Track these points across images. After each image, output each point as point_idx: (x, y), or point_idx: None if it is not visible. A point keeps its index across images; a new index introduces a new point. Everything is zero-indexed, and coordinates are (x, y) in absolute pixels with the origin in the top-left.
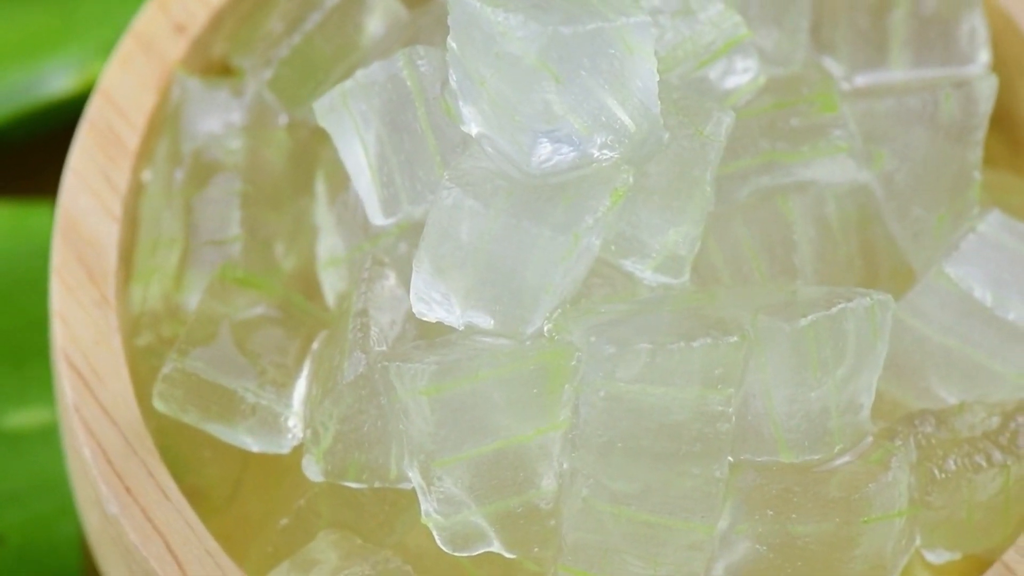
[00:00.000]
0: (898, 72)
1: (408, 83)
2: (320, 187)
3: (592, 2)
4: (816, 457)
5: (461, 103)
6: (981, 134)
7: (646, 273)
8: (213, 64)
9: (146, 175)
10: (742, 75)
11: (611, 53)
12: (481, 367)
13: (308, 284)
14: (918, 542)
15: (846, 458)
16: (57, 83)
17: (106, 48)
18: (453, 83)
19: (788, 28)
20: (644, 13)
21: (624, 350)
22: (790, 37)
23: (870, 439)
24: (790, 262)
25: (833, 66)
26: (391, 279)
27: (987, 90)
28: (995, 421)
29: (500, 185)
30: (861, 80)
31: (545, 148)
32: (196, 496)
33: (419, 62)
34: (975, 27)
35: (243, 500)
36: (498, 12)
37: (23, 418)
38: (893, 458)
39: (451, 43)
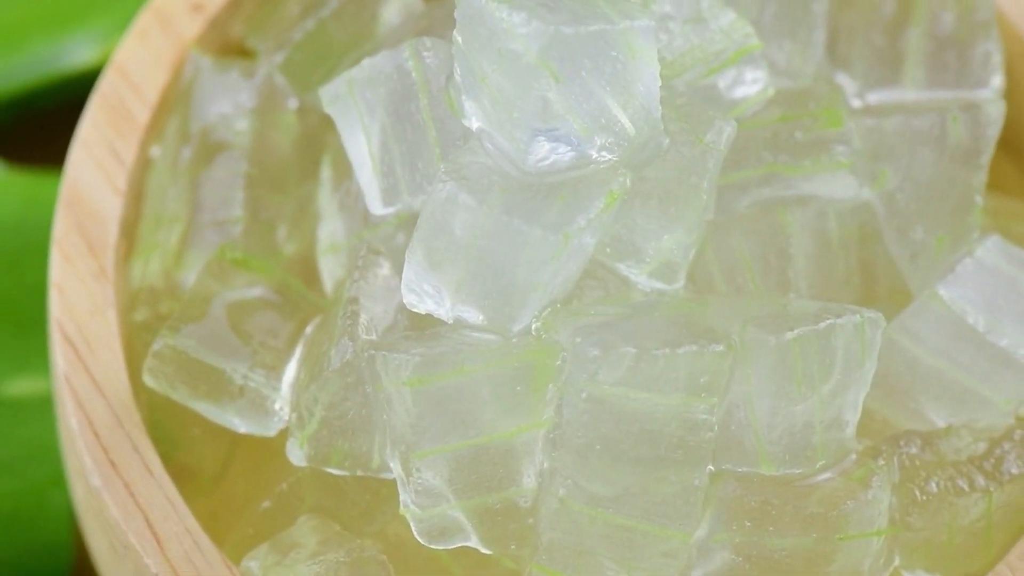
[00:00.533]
0: (911, 92)
1: (413, 74)
2: (326, 173)
3: (598, 4)
4: (798, 471)
5: (464, 97)
6: (986, 158)
7: (641, 277)
8: (230, 44)
9: (155, 151)
10: (751, 85)
11: (613, 56)
12: (466, 361)
13: (309, 269)
14: (897, 562)
15: (828, 474)
16: (80, 55)
17: (130, 22)
18: (457, 77)
19: (801, 41)
20: (649, 17)
21: (608, 353)
22: (802, 50)
23: (854, 456)
24: (785, 275)
25: (847, 82)
26: (385, 268)
27: (995, 115)
28: (981, 446)
29: (495, 181)
30: (874, 97)
31: (543, 147)
32: (184, 474)
33: (425, 54)
34: (990, 51)
35: (231, 480)
36: (502, 8)
37: (23, 386)
38: (874, 477)
39: (456, 36)
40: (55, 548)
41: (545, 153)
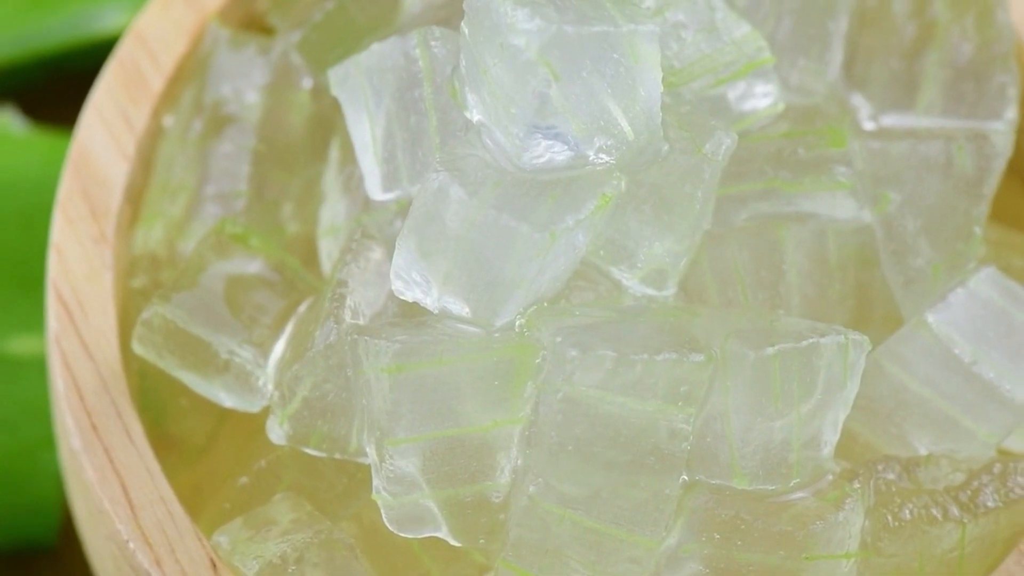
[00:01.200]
0: (924, 118)
1: (420, 62)
2: (334, 154)
3: (606, 6)
4: (771, 487)
5: (466, 89)
6: (989, 189)
7: (632, 282)
8: (253, 19)
9: (167, 120)
10: (761, 99)
11: (616, 58)
12: (445, 352)
13: (312, 249)
14: None
15: (802, 493)
16: (111, 20)
17: None
18: (462, 68)
19: (814, 58)
20: (656, 24)
21: (587, 354)
22: (815, 68)
23: (830, 477)
24: (777, 291)
25: (863, 103)
26: (377, 253)
27: (1001, 146)
28: (959, 477)
29: (489, 175)
30: (887, 120)
31: (539, 144)
32: (170, 444)
33: (433, 43)
34: (1006, 84)
35: (217, 454)
36: (507, 3)
37: (27, 344)
38: (848, 499)
39: (464, 28)
40: (44, 509)
41: (541, 151)
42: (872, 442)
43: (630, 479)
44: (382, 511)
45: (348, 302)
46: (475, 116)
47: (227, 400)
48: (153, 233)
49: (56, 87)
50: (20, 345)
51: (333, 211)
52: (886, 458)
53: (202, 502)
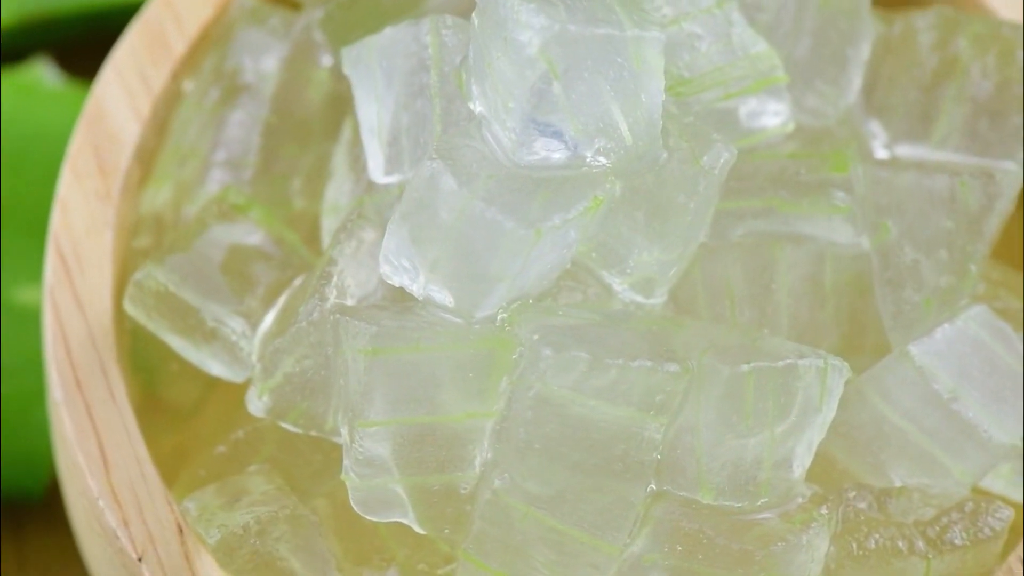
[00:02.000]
0: (938, 151)
1: (429, 49)
2: (346, 133)
3: (616, 10)
4: (738, 504)
5: (472, 80)
6: (989, 228)
7: (622, 287)
8: None
9: (187, 85)
10: (771, 117)
11: (619, 62)
12: (423, 339)
13: (317, 226)
14: None
15: (770, 514)
16: None
17: None
18: (470, 59)
19: (830, 82)
20: (663, 31)
21: (560, 355)
22: (831, 91)
23: (800, 500)
24: (765, 310)
25: (880, 130)
26: (371, 235)
27: (1007, 187)
28: (929, 512)
29: (484, 168)
30: (901, 150)
31: (536, 141)
32: (158, 407)
33: (444, 31)
34: (1022, 125)
35: (204, 420)
36: None
37: (34, 295)
38: (813, 523)
39: (474, 18)
40: (35, 459)
41: (537, 147)
42: (849, 469)
43: (596, 483)
44: (349, 492)
45: (335, 281)
46: (477, 108)
47: (213, 368)
48: (161, 195)
49: (95, 43)
50: (28, 295)
51: (338, 190)
52: (859, 486)
53: (184, 466)
